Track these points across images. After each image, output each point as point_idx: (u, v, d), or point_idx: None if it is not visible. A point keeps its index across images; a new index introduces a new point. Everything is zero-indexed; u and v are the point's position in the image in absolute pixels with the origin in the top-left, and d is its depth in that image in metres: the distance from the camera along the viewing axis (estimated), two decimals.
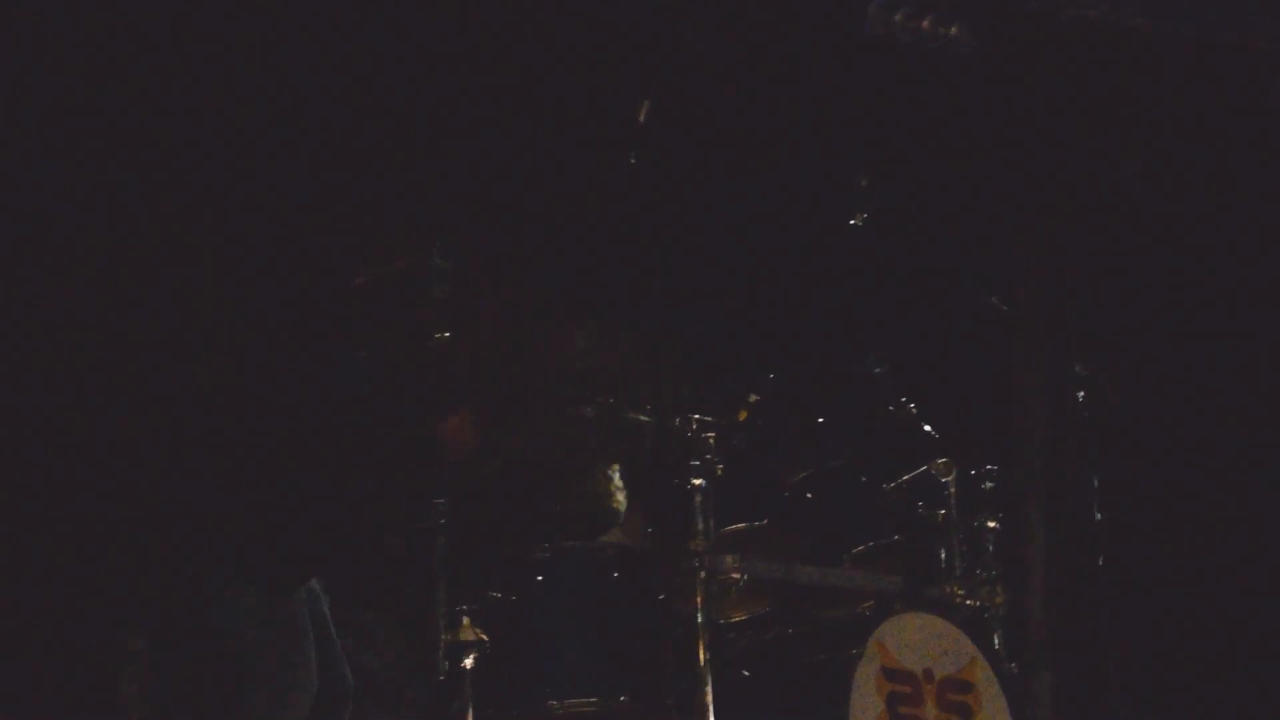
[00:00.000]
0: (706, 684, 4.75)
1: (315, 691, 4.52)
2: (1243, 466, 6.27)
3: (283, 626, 4.54)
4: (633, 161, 5.12)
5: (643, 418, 5.14)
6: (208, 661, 4.59)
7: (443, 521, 4.78)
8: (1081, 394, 5.37)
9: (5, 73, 5.18)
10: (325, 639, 4.62)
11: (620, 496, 5.47)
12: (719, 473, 5.01)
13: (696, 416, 5.05)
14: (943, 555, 5.29)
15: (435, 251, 4.87)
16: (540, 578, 4.92)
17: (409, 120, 5.76)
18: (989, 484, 5.38)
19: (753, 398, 5.33)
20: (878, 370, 5.50)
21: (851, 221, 5.47)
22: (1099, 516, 5.30)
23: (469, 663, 4.65)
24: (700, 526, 4.94)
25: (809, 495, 5.51)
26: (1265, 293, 6.38)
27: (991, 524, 5.33)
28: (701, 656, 4.78)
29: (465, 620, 4.70)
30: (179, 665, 4.89)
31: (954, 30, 5.80)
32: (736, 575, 4.99)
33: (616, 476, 5.46)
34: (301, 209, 5.45)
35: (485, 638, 4.68)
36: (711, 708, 4.73)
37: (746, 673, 5.11)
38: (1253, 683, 6.09)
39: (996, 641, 5.22)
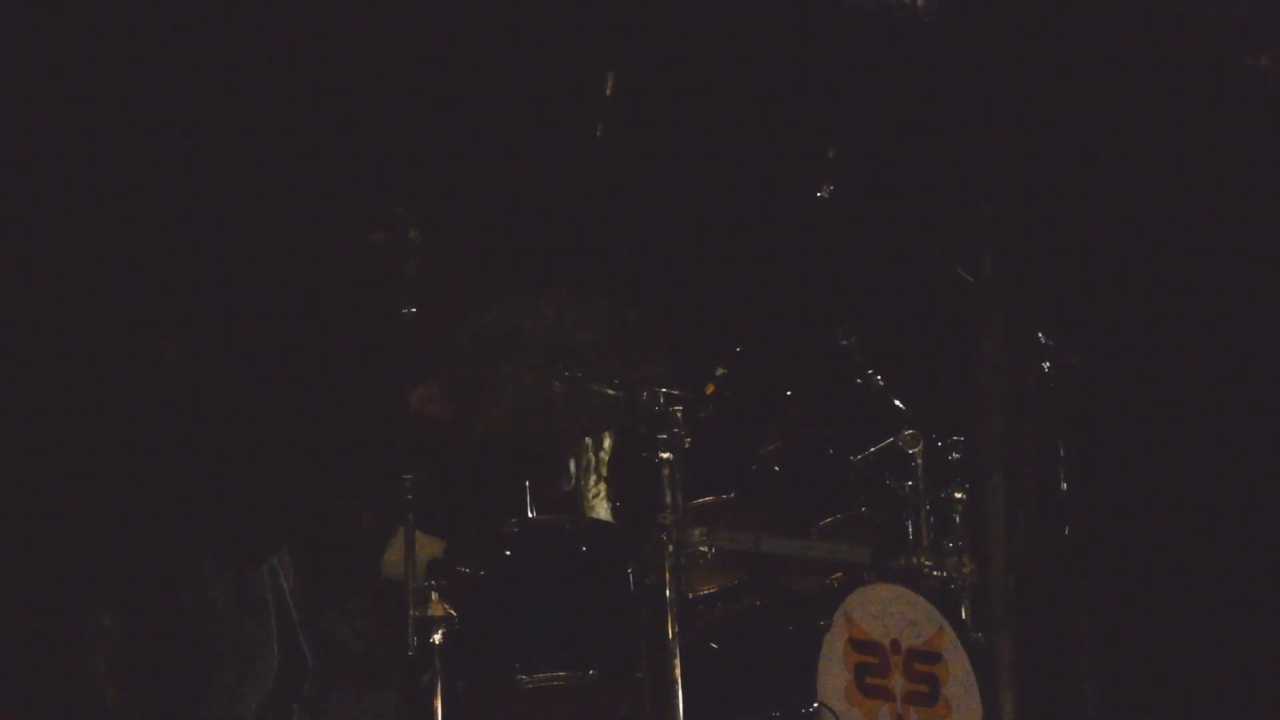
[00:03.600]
0: (675, 657, 4.76)
1: (276, 665, 4.57)
2: (1209, 436, 6.31)
3: (247, 601, 4.58)
4: (599, 134, 5.11)
5: (610, 391, 5.14)
6: (177, 635, 4.63)
7: (410, 497, 4.79)
8: (1046, 364, 5.38)
9: None
10: (284, 614, 4.66)
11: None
12: (686, 446, 5.00)
13: (664, 390, 5.04)
14: (910, 527, 5.32)
15: (408, 225, 4.87)
16: (508, 552, 4.93)
17: (378, 93, 5.75)
18: (955, 455, 5.40)
19: (720, 370, 5.34)
20: (844, 342, 5.51)
21: (818, 193, 5.47)
22: (1065, 486, 5.31)
23: (438, 638, 4.66)
24: (668, 500, 4.93)
25: (777, 468, 5.53)
26: (1233, 262, 6.40)
27: (958, 495, 5.35)
28: (670, 629, 4.78)
29: (434, 595, 4.70)
30: (149, 640, 4.92)
31: (920, 1, 5.81)
32: (705, 548, 4.98)
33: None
34: (272, 183, 5.44)
35: (454, 613, 4.68)
36: (680, 680, 4.75)
37: (715, 645, 5.12)
38: (1216, 651, 6.13)
39: (964, 612, 5.24)
